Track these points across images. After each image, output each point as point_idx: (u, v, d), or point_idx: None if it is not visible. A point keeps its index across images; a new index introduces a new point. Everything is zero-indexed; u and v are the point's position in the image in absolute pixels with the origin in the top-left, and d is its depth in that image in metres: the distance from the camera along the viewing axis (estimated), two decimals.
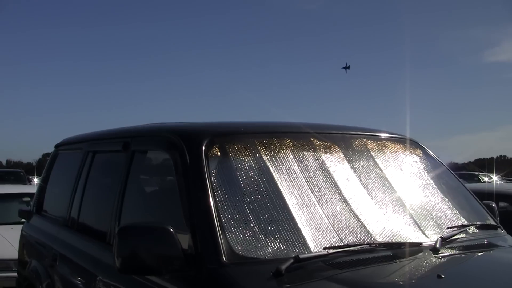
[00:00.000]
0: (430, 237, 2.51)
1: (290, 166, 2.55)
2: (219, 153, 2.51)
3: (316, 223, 2.33)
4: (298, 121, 3.12)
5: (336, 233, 2.32)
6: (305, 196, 2.44)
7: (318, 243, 2.24)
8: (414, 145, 3.18)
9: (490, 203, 3.26)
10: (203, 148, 2.47)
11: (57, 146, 4.55)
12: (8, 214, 7.25)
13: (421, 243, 2.43)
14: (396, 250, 2.36)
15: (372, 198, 2.60)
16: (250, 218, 2.26)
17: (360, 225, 2.40)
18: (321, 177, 2.58)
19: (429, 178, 2.97)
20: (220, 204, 2.27)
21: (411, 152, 3.09)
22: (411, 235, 2.48)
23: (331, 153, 2.74)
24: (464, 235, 2.66)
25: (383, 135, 3.12)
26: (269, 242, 2.20)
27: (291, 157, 2.60)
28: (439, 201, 2.82)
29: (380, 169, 2.81)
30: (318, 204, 2.43)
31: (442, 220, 2.69)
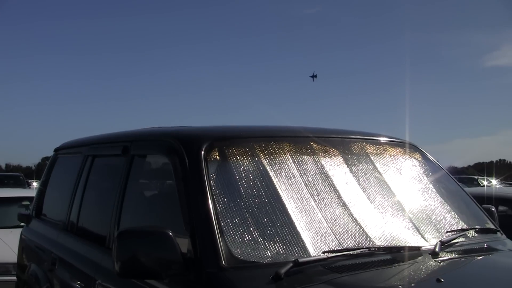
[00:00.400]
0: (430, 241, 2.51)
1: (289, 170, 2.56)
2: (218, 157, 2.51)
3: (315, 227, 2.33)
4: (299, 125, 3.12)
5: (336, 237, 2.32)
6: (304, 200, 2.44)
7: (317, 247, 2.24)
8: (414, 149, 3.18)
9: (489, 207, 3.26)
10: (203, 152, 2.47)
11: (56, 150, 4.56)
12: (7, 218, 7.24)
13: (420, 247, 2.43)
14: (395, 254, 2.36)
15: (371, 202, 2.60)
16: (249, 222, 2.26)
17: (359, 229, 2.40)
18: (320, 181, 2.58)
19: (428, 182, 2.97)
20: (220, 208, 2.27)
21: (410, 156, 3.10)
22: (411, 239, 2.48)
23: (330, 157, 2.75)
24: (463, 239, 2.66)
25: (382, 139, 3.12)
26: (268, 246, 2.20)
27: (290, 161, 2.61)
28: (438, 205, 2.82)
29: (379, 173, 2.81)
30: (317, 208, 2.43)
31: (442, 224, 2.69)
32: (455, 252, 2.52)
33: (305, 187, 2.50)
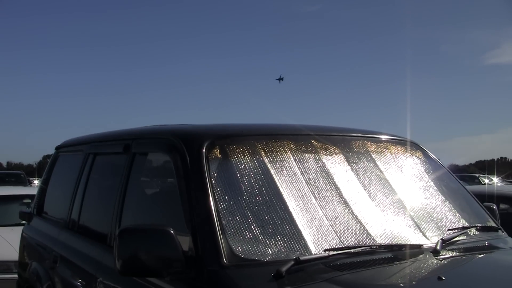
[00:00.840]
0: (431, 239, 2.50)
1: (290, 168, 2.55)
2: (219, 155, 2.51)
3: (316, 225, 2.33)
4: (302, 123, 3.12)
5: (337, 235, 2.32)
6: (305, 198, 2.44)
7: (318, 245, 2.24)
8: (415, 147, 3.18)
9: (490, 205, 3.25)
10: (204, 150, 2.47)
11: (57, 148, 4.56)
12: (8, 216, 7.25)
13: (421, 245, 2.43)
14: (396, 252, 2.35)
15: (372, 200, 2.60)
16: (250, 220, 2.26)
17: (360, 227, 2.40)
18: (321, 179, 2.58)
19: (429, 180, 2.97)
20: (221, 206, 2.27)
21: (411, 154, 3.09)
22: (412, 237, 2.48)
23: (332, 155, 2.74)
24: (464, 237, 2.66)
25: (383, 137, 3.12)
26: (270, 244, 2.20)
27: (292, 159, 2.60)
28: (439, 203, 2.82)
29: (381, 171, 2.81)
30: (319, 206, 2.43)
31: (443, 222, 2.69)
32: (457, 250, 2.52)
33: (306, 185, 2.50)
